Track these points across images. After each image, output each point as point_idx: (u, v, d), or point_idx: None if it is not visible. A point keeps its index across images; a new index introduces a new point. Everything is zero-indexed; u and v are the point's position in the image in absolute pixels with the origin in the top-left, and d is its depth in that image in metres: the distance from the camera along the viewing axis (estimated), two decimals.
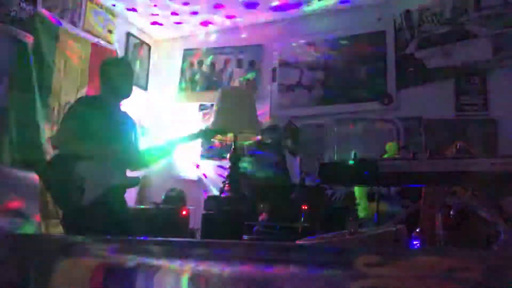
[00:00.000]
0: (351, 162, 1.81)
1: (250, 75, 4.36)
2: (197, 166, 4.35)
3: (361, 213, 3.00)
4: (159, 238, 1.05)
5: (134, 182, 2.38)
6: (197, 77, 4.62)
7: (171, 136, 2.61)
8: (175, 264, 0.84)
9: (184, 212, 3.70)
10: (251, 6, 4.05)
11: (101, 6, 4.04)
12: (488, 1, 3.45)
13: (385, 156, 3.09)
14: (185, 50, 4.72)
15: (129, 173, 2.41)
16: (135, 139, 2.49)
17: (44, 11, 3.41)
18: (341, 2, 3.94)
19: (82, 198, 2.03)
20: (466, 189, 2.18)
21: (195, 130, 2.73)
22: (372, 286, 0.69)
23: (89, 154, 2.14)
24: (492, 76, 3.38)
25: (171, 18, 4.36)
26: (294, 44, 4.21)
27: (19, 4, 3.15)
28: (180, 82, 4.67)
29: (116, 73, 2.37)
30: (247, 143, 4.02)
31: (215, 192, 3.96)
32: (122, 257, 0.89)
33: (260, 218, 3.40)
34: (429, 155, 1.81)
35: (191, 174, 4.34)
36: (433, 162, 1.74)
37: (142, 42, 4.62)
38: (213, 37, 4.62)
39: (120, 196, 2.35)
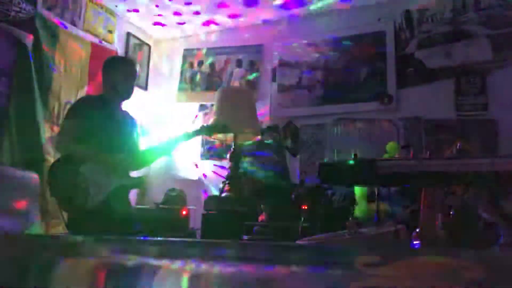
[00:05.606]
0: (351, 162, 1.81)
1: (250, 75, 4.36)
2: (197, 166, 4.35)
3: (361, 214, 3.00)
4: (159, 238, 1.05)
5: (138, 182, 2.37)
6: (197, 77, 4.62)
7: (171, 135, 2.60)
8: (175, 264, 0.84)
9: (184, 212, 3.70)
10: (251, 5, 4.05)
11: (101, 6, 4.04)
12: (488, 1, 3.45)
13: (385, 156, 3.09)
14: (185, 50, 4.72)
15: (132, 173, 2.41)
16: (136, 138, 2.49)
17: (44, 11, 3.41)
18: (341, 2, 3.94)
19: (87, 201, 2.03)
20: (466, 189, 2.18)
21: (195, 127, 2.72)
22: (372, 286, 0.69)
23: (90, 158, 2.14)
24: (492, 76, 3.37)
25: (171, 18, 4.36)
26: (294, 44, 4.21)
27: (19, 4, 3.15)
28: (180, 82, 4.67)
29: (117, 72, 2.35)
30: (247, 143, 4.03)
31: (215, 192, 3.97)
32: (122, 257, 0.89)
33: (260, 218, 3.40)
34: (429, 155, 1.81)
35: (191, 174, 4.33)
36: (433, 162, 1.74)
37: (142, 42, 4.62)
38: (213, 37, 4.62)
39: (125, 197, 2.35)
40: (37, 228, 2.81)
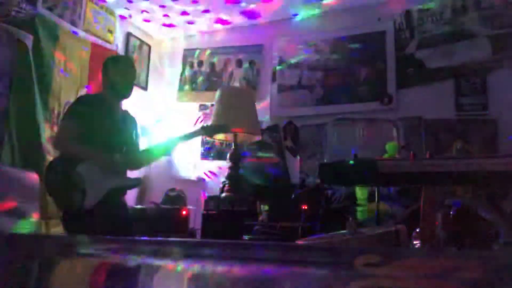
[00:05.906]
0: (351, 162, 1.81)
1: (250, 75, 4.36)
2: (197, 167, 4.35)
3: (362, 214, 3.00)
4: (159, 238, 1.05)
5: (135, 183, 2.36)
6: (197, 77, 4.62)
7: (171, 135, 2.59)
8: (175, 264, 0.84)
9: (184, 212, 3.70)
10: (251, 5, 4.05)
11: (101, 6, 4.04)
12: (488, 1, 3.45)
13: (385, 156, 3.10)
14: (185, 50, 4.72)
15: (130, 174, 2.41)
16: (136, 138, 2.48)
17: (44, 11, 3.41)
18: (341, 2, 3.94)
19: (83, 201, 2.02)
20: (466, 189, 2.18)
21: (196, 127, 2.72)
22: (372, 286, 0.69)
23: (88, 157, 2.13)
24: (492, 76, 3.37)
25: (171, 18, 4.36)
26: (294, 44, 4.21)
27: (19, 4, 3.15)
28: (180, 82, 4.67)
29: (115, 71, 2.33)
30: (247, 143, 4.03)
31: (215, 192, 3.97)
32: (122, 257, 0.89)
33: (260, 218, 3.40)
34: (429, 155, 1.81)
35: (191, 174, 4.33)
36: (433, 162, 1.74)
37: (142, 42, 4.62)
38: (213, 37, 4.62)
39: (121, 197, 2.34)
40: (35, 227, 2.81)
